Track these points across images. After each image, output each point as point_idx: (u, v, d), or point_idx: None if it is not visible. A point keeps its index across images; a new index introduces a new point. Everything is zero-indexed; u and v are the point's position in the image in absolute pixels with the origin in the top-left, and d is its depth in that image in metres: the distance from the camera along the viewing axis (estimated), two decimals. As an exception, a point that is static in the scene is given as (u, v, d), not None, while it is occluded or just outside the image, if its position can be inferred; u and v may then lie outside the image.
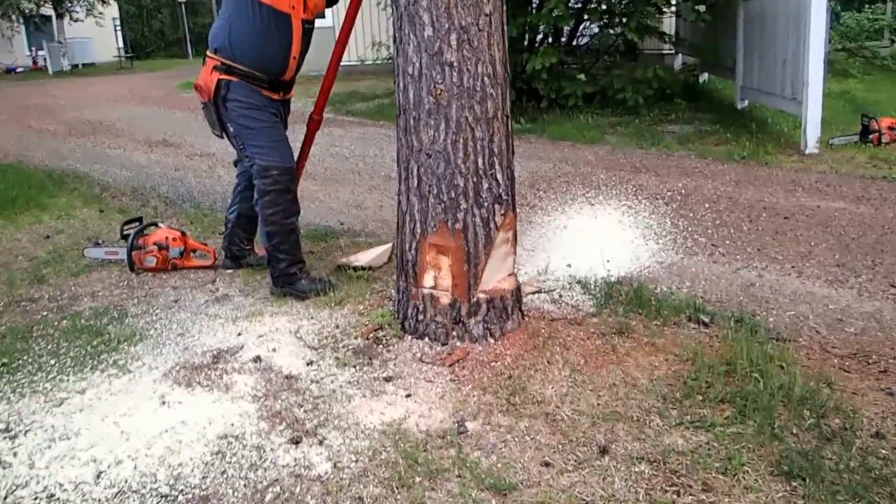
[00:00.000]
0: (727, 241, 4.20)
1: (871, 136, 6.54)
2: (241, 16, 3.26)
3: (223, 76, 3.28)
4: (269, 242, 3.43)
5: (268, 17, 3.25)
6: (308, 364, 2.81)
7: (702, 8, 9.00)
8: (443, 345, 2.88)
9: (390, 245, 3.99)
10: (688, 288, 3.53)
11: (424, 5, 2.65)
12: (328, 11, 4.33)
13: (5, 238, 4.78)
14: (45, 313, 3.47)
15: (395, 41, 2.85)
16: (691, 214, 4.73)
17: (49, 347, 3.06)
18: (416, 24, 2.68)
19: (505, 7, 2.81)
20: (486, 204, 2.82)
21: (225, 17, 3.33)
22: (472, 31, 2.66)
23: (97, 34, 29.42)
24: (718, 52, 9.53)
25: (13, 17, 25.68)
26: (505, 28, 2.81)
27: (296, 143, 3.72)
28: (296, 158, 3.68)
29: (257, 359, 2.86)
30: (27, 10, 26.09)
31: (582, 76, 9.17)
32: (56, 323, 3.33)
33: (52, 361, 2.93)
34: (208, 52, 3.35)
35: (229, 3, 3.33)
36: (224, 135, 3.46)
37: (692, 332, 2.98)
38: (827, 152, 6.42)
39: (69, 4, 26.08)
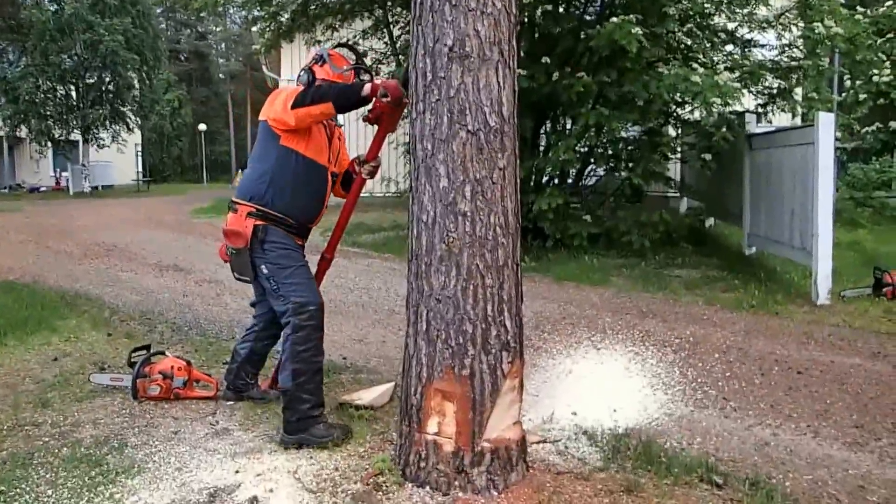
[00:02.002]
0: (739, 395, 4.12)
1: (884, 290, 6.51)
2: (282, 166, 3.41)
3: (259, 221, 3.38)
4: (293, 381, 3.29)
5: (309, 169, 3.45)
6: (305, 510, 2.71)
7: (707, 156, 9.28)
8: (444, 495, 2.78)
9: (393, 384, 3.97)
10: (699, 444, 3.43)
11: (441, 158, 2.76)
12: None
13: (15, 359, 4.77)
14: (46, 439, 3.43)
15: (411, 189, 2.94)
16: (700, 364, 4.68)
17: (48, 477, 3.00)
18: (433, 175, 2.78)
19: (517, 160, 2.92)
20: (493, 351, 2.81)
21: (263, 168, 3.44)
22: (486, 184, 2.76)
23: (118, 159, 30.99)
24: (725, 199, 9.68)
25: (43, 143, 26.92)
26: (518, 181, 2.90)
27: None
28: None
29: (254, 500, 2.77)
30: (57, 136, 27.35)
31: (587, 217, 9.33)
32: (56, 450, 3.27)
33: (50, 492, 2.87)
34: (238, 200, 3.45)
35: (268, 154, 3.45)
36: (254, 278, 3.50)
37: (705, 494, 2.86)
38: (839, 304, 6.40)
39: (96, 132, 27.29)
